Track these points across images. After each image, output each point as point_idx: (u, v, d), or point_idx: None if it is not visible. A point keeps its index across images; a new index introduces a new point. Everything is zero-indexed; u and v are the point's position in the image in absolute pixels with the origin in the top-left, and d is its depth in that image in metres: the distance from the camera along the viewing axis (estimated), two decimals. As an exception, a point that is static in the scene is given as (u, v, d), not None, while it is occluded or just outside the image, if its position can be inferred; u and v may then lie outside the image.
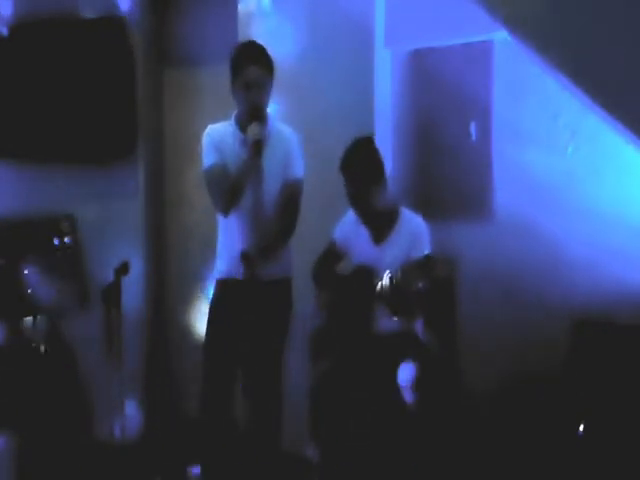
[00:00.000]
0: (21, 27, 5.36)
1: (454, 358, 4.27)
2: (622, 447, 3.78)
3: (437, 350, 3.99)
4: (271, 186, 3.91)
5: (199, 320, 5.11)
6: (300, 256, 4.02)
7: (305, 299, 4.05)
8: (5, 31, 5.37)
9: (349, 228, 4.09)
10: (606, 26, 3.43)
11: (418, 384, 3.74)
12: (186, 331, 5.41)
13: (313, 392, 3.93)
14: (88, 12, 5.29)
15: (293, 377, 4.13)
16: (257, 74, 3.84)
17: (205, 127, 4.02)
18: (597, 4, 3.46)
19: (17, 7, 5.38)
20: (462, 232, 4.60)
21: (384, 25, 4.77)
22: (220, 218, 3.98)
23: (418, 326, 3.99)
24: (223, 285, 4.01)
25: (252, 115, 3.85)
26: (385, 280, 3.73)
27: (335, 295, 4.01)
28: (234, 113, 3.99)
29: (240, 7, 5.04)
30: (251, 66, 3.84)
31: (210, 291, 4.12)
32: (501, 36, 4.16)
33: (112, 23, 5.22)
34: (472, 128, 4.73)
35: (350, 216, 4.08)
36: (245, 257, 3.77)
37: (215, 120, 4.04)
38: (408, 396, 3.72)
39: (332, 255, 4.11)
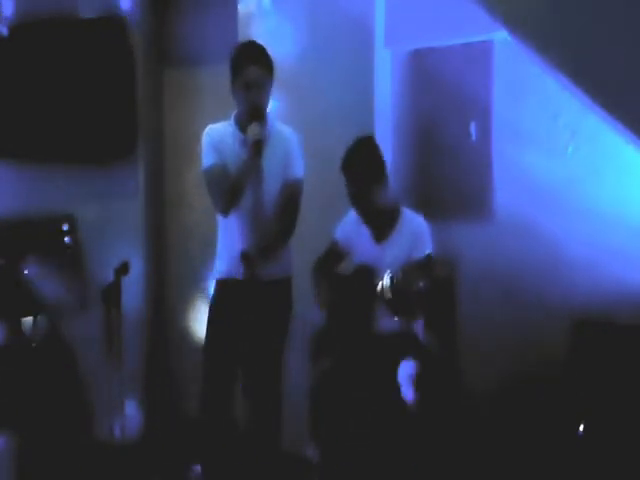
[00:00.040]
0: (21, 27, 5.36)
1: (454, 358, 4.27)
2: (622, 447, 3.78)
3: (437, 350, 3.99)
4: (271, 186, 3.91)
5: (199, 320, 5.11)
6: (300, 256, 4.02)
7: (305, 299, 4.05)
8: (5, 31, 5.37)
9: (350, 228, 4.09)
10: (606, 26, 3.43)
11: (418, 384, 3.74)
12: (186, 331, 5.41)
13: (313, 392, 3.93)
14: (88, 12, 5.29)
15: (293, 377, 4.13)
16: (257, 74, 3.84)
17: (205, 127, 4.01)
18: (597, 4, 3.46)
19: (17, 7, 5.39)
20: (462, 232, 4.60)
21: (384, 25, 4.77)
22: (220, 218, 3.98)
23: (418, 326, 3.99)
24: (223, 285, 4.01)
25: (252, 115, 3.85)
26: (386, 280, 3.73)
27: (336, 295, 4.01)
28: (234, 113, 3.99)
29: (240, 7, 5.04)
30: (251, 66, 3.84)
31: (210, 291, 4.12)
32: (501, 36, 4.16)
33: (112, 23, 5.23)
34: (472, 128, 4.73)
35: (351, 216, 4.08)
36: (245, 257, 3.77)
37: (215, 120, 4.04)
38: (408, 395, 3.72)
39: (333, 255, 4.11)
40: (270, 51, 3.92)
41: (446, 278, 3.76)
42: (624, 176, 4.22)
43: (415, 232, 3.93)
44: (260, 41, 3.98)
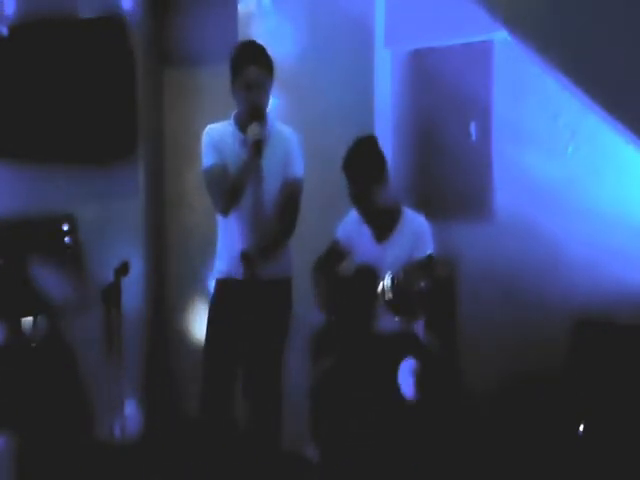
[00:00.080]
0: (21, 27, 5.36)
1: (454, 358, 4.27)
2: (622, 447, 3.78)
3: (437, 350, 3.99)
4: (271, 186, 3.91)
5: (199, 320, 5.11)
6: (300, 256, 4.02)
7: (305, 299, 4.05)
8: (5, 31, 5.37)
9: (351, 227, 4.09)
10: (606, 26, 3.43)
11: (418, 384, 3.74)
12: (186, 331, 5.42)
13: (314, 392, 3.93)
14: (88, 12, 5.29)
15: (293, 377, 4.13)
16: (257, 74, 3.84)
17: (205, 127, 4.02)
18: (597, 4, 3.46)
19: (17, 7, 5.39)
20: (462, 232, 4.60)
21: (384, 25, 4.77)
22: (220, 218, 3.98)
23: (419, 326, 3.99)
24: (223, 285, 4.01)
25: (252, 115, 3.85)
26: (387, 280, 3.73)
27: (336, 294, 4.01)
28: (233, 113, 3.99)
29: (240, 7, 5.04)
30: (251, 66, 3.84)
31: (210, 291, 4.12)
32: (501, 36, 4.16)
33: (112, 23, 5.23)
34: (472, 128, 4.73)
35: (352, 215, 4.08)
36: (245, 257, 3.77)
37: (215, 120, 4.04)
38: (408, 390, 3.72)
39: (334, 254, 4.11)
40: (270, 51, 3.92)
41: (446, 278, 3.76)
42: (624, 176, 4.22)
43: (416, 232, 3.93)
44: (260, 41, 3.98)
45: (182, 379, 5.36)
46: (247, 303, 3.81)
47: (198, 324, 5.09)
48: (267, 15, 4.93)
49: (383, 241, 3.99)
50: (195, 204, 5.31)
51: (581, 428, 3.87)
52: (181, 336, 5.44)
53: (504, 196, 4.57)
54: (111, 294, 3.61)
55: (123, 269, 3.67)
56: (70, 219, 5.03)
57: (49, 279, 4.74)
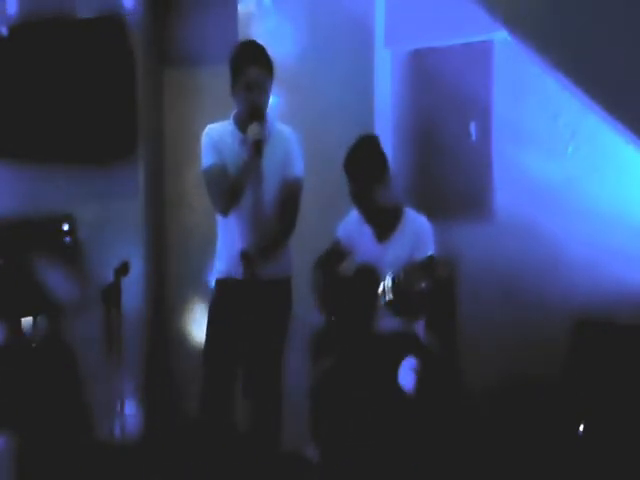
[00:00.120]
0: (21, 27, 5.36)
1: (454, 358, 4.27)
2: (622, 447, 3.78)
3: (437, 350, 3.98)
4: (271, 186, 3.91)
5: (199, 320, 5.11)
6: (300, 256, 4.02)
7: (305, 299, 4.05)
8: (5, 31, 5.37)
9: (352, 227, 4.09)
10: (606, 26, 3.43)
11: (419, 384, 3.74)
12: (186, 331, 5.41)
13: (314, 391, 3.93)
14: (88, 12, 5.29)
15: (293, 377, 4.13)
16: (257, 74, 3.84)
17: (205, 127, 4.02)
18: (597, 4, 3.46)
19: (17, 7, 5.39)
20: (462, 232, 4.60)
21: (384, 25, 4.77)
22: (220, 218, 3.98)
23: (419, 326, 3.99)
24: (223, 285, 4.00)
25: (252, 115, 3.85)
26: (387, 281, 3.72)
27: (337, 294, 4.01)
28: (233, 113, 3.99)
29: (240, 7, 5.04)
30: (251, 66, 3.83)
31: (210, 291, 4.12)
32: (501, 36, 4.16)
33: (112, 23, 5.23)
34: (472, 128, 4.73)
35: (353, 215, 4.08)
36: (245, 257, 3.77)
37: (215, 120, 4.04)
38: (407, 385, 3.72)
39: (335, 253, 4.10)
40: (270, 51, 3.92)
41: (447, 278, 3.75)
42: (624, 176, 4.22)
43: (417, 232, 3.93)
44: (260, 41, 3.98)
45: (182, 379, 5.36)
46: (247, 303, 3.81)
47: (198, 324, 5.09)
48: (267, 15, 4.93)
49: (384, 241, 3.99)
50: (195, 204, 5.31)
51: (581, 428, 3.87)
52: (181, 336, 5.44)
53: (504, 196, 4.57)
54: (111, 294, 3.61)
55: (123, 269, 3.66)
56: (70, 219, 5.03)
57: (49, 279, 4.74)
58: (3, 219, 4.96)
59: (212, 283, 4.08)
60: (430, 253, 3.75)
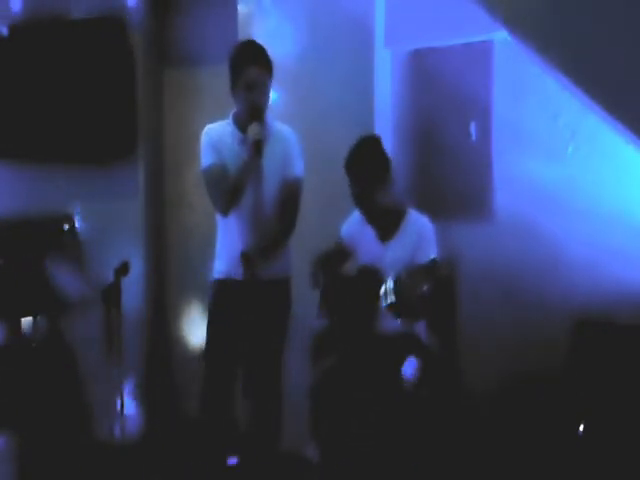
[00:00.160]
0: (21, 27, 5.36)
1: (454, 358, 4.27)
2: (622, 447, 3.78)
3: (438, 350, 3.98)
4: (271, 186, 3.91)
5: (199, 320, 5.11)
6: (300, 256, 4.02)
7: (305, 299, 4.05)
8: (5, 31, 5.37)
9: (355, 227, 4.08)
10: (606, 26, 3.43)
11: (419, 384, 3.74)
12: (186, 331, 5.41)
13: (314, 391, 3.93)
14: (88, 12, 5.29)
15: (293, 377, 4.13)
16: (257, 74, 3.84)
17: (205, 127, 4.01)
18: (597, 4, 3.46)
19: (17, 7, 5.39)
20: (462, 232, 4.60)
21: (384, 25, 4.77)
22: (219, 218, 3.98)
23: (420, 327, 3.99)
24: (222, 285, 4.00)
25: (252, 115, 3.85)
26: (389, 283, 3.72)
27: (340, 294, 4.01)
28: (232, 112, 3.99)
29: (240, 7, 5.04)
30: (251, 66, 3.83)
31: (210, 291, 4.12)
32: (501, 36, 4.16)
33: (112, 23, 5.23)
34: (472, 128, 4.73)
35: (356, 215, 4.08)
36: (245, 257, 3.77)
37: (215, 120, 4.04)
38: (408, 380, 3.72)
39: (339, 253, 4.10)
40: (270, 51, 3.92)
41: (447, 278, 3.75)
42: (624, 176, 4.22)
43: (420, 233, 3.92)
44: (260, 41, 3.98)
45: (182, 379, 5.36)
46: (247, 303, 3.81)
47: (198, 324, 5.09)
48: (267, 15, 4.93)
49: (386, 241, 3.99)
50: (195, 204, 5.31)
51: (581, 428, 3.87)
52: (181, 336, 5.44)
53: (504, 196, 4.57)
54: (111, 294, 3.61)
55: (123, 269, 3.67)
56: (70, 219, 5.03)
57: (50, 279, 4.73)
58: (3, 219, 4.96)
59: (212, 283, 4.07)
60: (433, 256, 3.75)
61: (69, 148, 5.31)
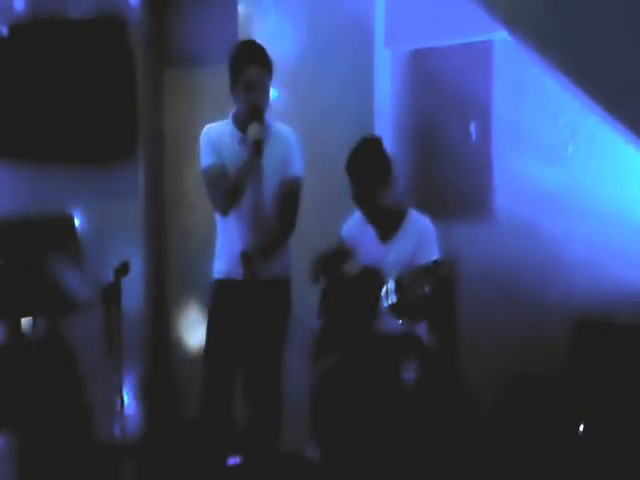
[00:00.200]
0: (21, 27, 5.36)
1: (454, 358, 4.27)
2: (622, 447, 3.78)
3: (438, 350, 3.98)
4: (271, 185, 3.91)
5: (199, 320, 5.11)
6: (300, 256, 4.02)
7: (305, 299, 4.05)
8: (5, 31, 5.37)
9: (356, 227, 4.09)
10: (606, 26, 3.43)
11: (419, 384, 3.74)
12: (186, 331, 5.41)
13: (315, 391, 3.93)
14: (88, 12, 5.29)
15: (293, 377, 4.13)
16: (257, 74, 3.84)
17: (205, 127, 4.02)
18: (597, 4, 3.46)
19: (18, 7, 5.39)
20: (462, 232, 4.60)
21: (384, 25, 4.77)
22: (219, 218, 3.98)
23: (421, 328, 3.98)
24: (222, 285, 4.00)
25: (252, 115, 3.85)
26: (391, 284, 3.71)
27: (340, 295, 4.01)
28: (231, 112, 3.99)
29: (240, 7, 5.04)
30: (251, 66, 3.83)
31: (210, 291, 4.12)
32: (501, 36, 4.16)
33: (112, 23, 5.23)
34: (472, 128, 4.73)
35: (357, 215, 4.08)
36: (245, 257, 3.77)
37: (215, 120, 4.04)
38: (408, 380, 3.72)
39: (340, 253, 4.10)
40: (270, 51, 3.92)
41: (447, 278, 3.75)
42: (624, 176, 4.22)
43: (420, 233, 3.92)
44: (260, 41, 3.98)
45: (182, 379, 5.36)
46: (247, 303, 3.81)
47: (198, 324, 5.09)
48: (267, 15, 4.93)
49: (387, 241, 3.99)
50: (195, 204, 5.31)
51: (581, 428, 3.87)
52: (181, 336, 5.44)
53: (504, 196, 4.57)
54: (111, 294, 3.61)
55: (123, 269, 3.67)
56: (70, 219, 5.03)
57: (50, 279, 4.73)
58: (3, 219, 4.95)
59: (212, 283, 4.07)
60: (434, 257, 3.74)
61: (69, 148, 5.31)
